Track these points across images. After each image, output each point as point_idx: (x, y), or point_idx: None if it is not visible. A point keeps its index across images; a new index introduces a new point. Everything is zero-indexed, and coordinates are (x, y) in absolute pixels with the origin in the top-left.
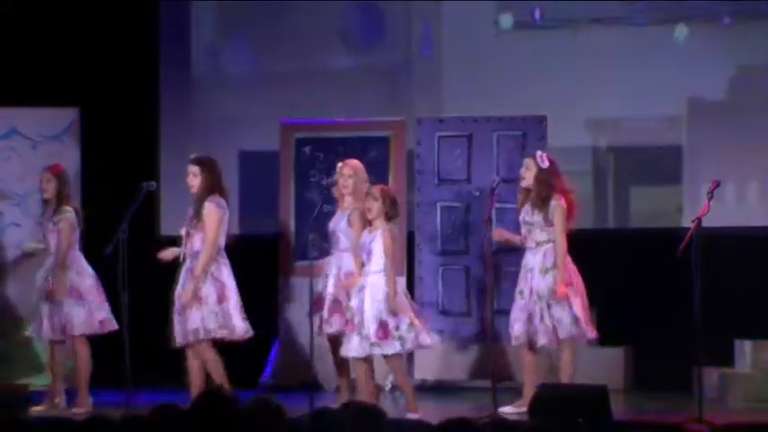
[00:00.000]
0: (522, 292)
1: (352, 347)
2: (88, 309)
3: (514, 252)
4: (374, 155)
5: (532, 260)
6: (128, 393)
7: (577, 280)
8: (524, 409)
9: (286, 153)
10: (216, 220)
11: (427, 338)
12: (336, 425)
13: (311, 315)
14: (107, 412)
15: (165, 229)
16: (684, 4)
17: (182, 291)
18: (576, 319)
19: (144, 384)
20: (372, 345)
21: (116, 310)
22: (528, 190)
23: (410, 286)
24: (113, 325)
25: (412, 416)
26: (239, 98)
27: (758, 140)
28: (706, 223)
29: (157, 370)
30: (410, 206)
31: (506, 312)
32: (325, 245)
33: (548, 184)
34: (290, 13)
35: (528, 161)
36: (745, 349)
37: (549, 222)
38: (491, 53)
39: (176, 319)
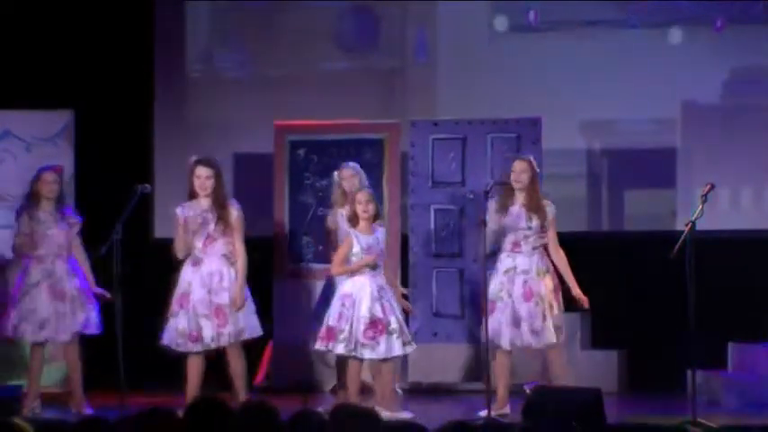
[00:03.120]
0: (503, 297)
1: (395, 347)
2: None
3: None
4: (368, 157)
5: (526, 263)
6: (121, 397)
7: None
8: (504, 411)
9: (280, 155)
10: (243, 223)
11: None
12: (317, 427)
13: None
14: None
15: (159, 231)
16: (678, 7)
17: (214, 295)
18: (560, 326)
19: (137, 388)
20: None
21: (110, 313)
22: (513, 192)
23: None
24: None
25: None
26: (234, 101)
27: (752, 144)
28: (699, 226)
29: (151, 373)
30: (404, 209)
31: None
32: (320, 247)
33: (538, 190)
34: (285, 17)
35: (523, 164)
36: (739, 352)
37: (544, 229)
38: (486, 56)
39: (206, 323)
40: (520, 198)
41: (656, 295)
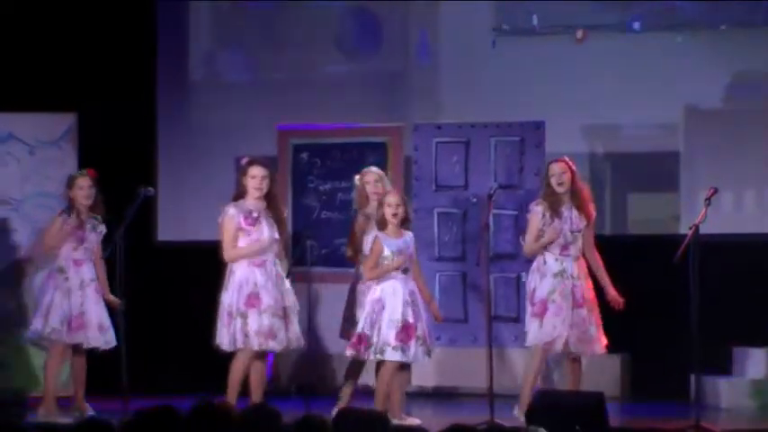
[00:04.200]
0: (555, 299)
1: (419, 354)
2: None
3: (512, 259)
4: (371, 161)
5: (574, 268)
6: (125, 400)
7: None
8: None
9: (283, 159)
10: None
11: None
12: (322, 430)
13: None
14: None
15: (163, 234)
16: (681, 10)
17: (283, 296)
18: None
19: (141, 391)
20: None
21: (112, 316)
22: (558, 195)
23: None
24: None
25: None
26: (236, 104)
27: (755, 148)
28: (703, 230)
29: (155, 376)
30: None
31: (504, 319)
32: (323, 251)
33: (587, 192)
34: (288, 20)
35: (562, 165)
36: (743, 356)
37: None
38: (488, 59)
39: (280, 324)
40: (567, 200)
41: (659, 299)
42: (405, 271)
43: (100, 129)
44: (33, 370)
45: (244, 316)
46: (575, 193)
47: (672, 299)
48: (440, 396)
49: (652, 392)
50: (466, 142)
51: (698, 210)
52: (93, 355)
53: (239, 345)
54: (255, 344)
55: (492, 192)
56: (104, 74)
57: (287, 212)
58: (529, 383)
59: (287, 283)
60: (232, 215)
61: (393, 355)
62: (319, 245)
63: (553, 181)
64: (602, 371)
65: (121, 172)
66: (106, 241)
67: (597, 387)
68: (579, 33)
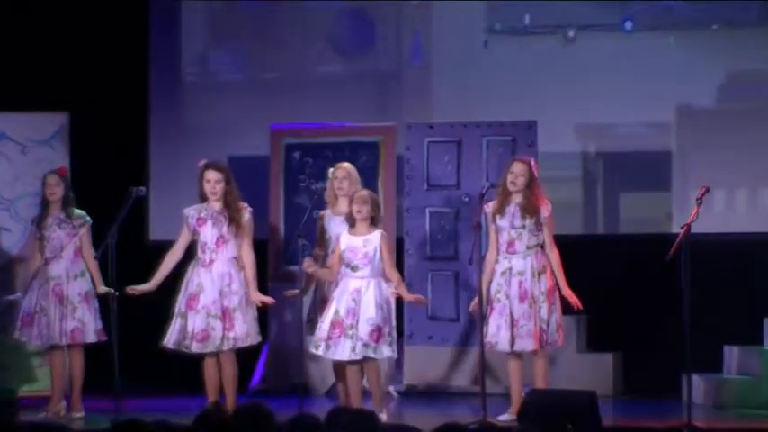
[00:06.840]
0: (500, 298)
1: (344, 350)
2: (94, 315)
3: None
4: (364, 160)
5: (521, 264)
6: (117, 400)
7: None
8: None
9: (276, 158)
10: (252, 226)
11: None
12: (313, 430)
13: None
14: (97, 419)
15: (154, 234)
16: (673, 10)
17: (224, 297)
18: (558, 326)
19: (133, 391)
20: (367, 347)
21: (105, 316)
22: (510, 194)
23: None
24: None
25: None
26: (229, 104)
27: (747, 147)
28: (695, 229)
29: (146, 376)
30: (399, 211)
31: None
32: (315, 251)
33: (539, 192)
34: (281, 20)
35: (522, 167)
36: (734, 355)
37: (539, 227)
38: (481, 59)
39: (215, 324)
40: (516, 198)
41: (651, 298)
42: (353, 269)
43: (92, 128)
44: (28, 370)
45: (183, 317)
46: (526, 194)
47: (663, 298)
48: (432, 395)
49: (644, 391)
50: (458, 142)
51: (690, 209)
52: (85, 355)
53: (172, 345)
54: (186, 345)
55: (484, 191)
56: (96, 73)
57: (280, 212)
58: (512, 385)
59: (234, 285)
60: (186, 217)
61: (324, 352)
62: (311, 244)
63: (508, 178)
64: (594, 369)
65: (113, 171)
66: (98, 242)
67: (590, 385)
68: (571, 33)
